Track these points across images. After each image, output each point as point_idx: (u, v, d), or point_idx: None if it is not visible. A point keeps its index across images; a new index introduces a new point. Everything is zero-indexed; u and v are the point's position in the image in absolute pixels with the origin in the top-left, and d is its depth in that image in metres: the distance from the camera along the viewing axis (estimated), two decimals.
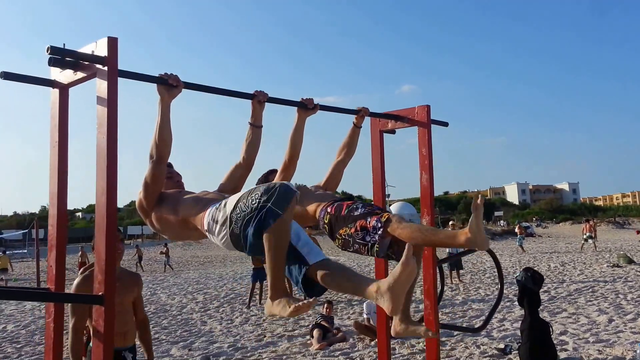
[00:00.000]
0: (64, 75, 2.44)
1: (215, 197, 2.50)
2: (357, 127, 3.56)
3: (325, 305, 8.04)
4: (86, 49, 2.28)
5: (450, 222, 13.78)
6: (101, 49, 2.22)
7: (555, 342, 5.99)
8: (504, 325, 7.72)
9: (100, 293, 2.09)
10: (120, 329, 3.41)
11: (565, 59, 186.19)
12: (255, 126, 2.94)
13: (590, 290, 10.94)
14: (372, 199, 4.09)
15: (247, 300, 11.23)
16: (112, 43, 2.21)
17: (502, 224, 50.15)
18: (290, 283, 11.40)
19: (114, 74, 2.22)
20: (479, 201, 2.32)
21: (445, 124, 4.10)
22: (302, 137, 3.14)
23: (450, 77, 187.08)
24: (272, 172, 3.16)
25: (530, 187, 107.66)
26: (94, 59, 2.23)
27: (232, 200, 2.29)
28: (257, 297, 11.24)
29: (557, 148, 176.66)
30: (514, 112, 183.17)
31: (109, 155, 2.15)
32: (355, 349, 6.86)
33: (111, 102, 2.19)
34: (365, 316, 7.85)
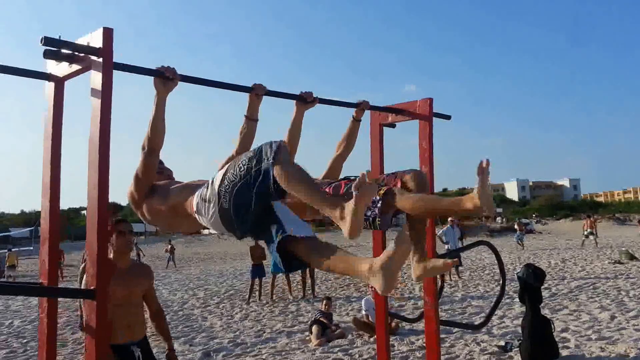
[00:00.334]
0: (60, 68, 2.39)
1: (204, 183, 2.47)
2: (356, 120, 3.50)
3: (324, 301, 8.03)
4: (82, 41, 2.23)
5: (449, 219, 13.70)
6: (96, 40, 2.17)
7: (556, 339, 5.95)
8: (504, 322, 7.68)
9: (92, 287, 2.05)
10: (128, 322, 3.37)
11: (565, 58, 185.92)
12: (251, 119, 2.90)
13: (592, 287, 10.89)
14: None
15: (247, 296, 11.30)
16: (108, 34, 2.16)
17: (498, 221, 49.95)
18: (290, 286, 11.47)
19: (108, 66, 2.17)
20: (484, 164, 2.18)
21: (448, 117, 4.03)
22: (300, 131, 3.09)
23: (452, 76, 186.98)
24: None
25: (530, 183, 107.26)
26: (88, 50, 2.18)
27: (218, 175, 2.24)
28: (257, 293, 11.30)
29: (558, 144, 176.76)
30: (514, 109, 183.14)
31: (101, 148, 2.10)
32: (354, 346, 6.83)
33: (105, 95, 2.14)
34: (363, 312, 7.83)
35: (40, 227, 2.50)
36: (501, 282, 4.57)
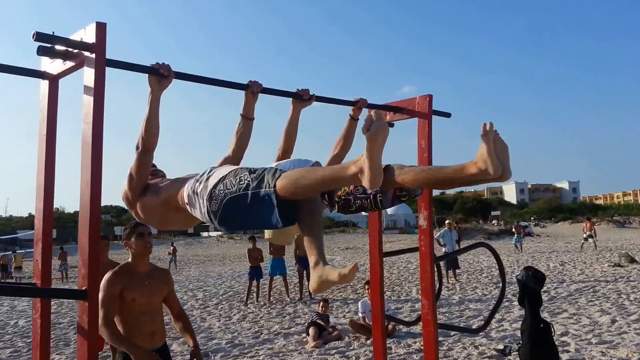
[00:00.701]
0: (54, 66, 2.34)
1: (194, 175, 2.43)
2: (354, 119, 3.40)
3: (321, 303, 8.00)
4: (75, 36, 2.19)
5: (447, 222, 13.66)
6: (90, 36, 2.12)
7: (556, 343, 5.90)
8: (502, 325, 7.64)
9: (83, 288, 2.01)
10: (148, 330, 3.34)
11: (565, 58, 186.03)
12: (247, 118, 2.85)
13: (592, 290, 10.83)
14: None
15: (245, 298, 11.31)
16: (101, 29, 2.11)
17: (494, 224, 49.86)
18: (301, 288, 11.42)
19: (101, 62, 2.12)
20: (488, 127, 2.06)
21: (448, 115, 3.95)
22: (296, 130, 3.05)
23: (451, 77, 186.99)
24: None
25: (529, 186, 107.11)
26: (81, 45, 2.13)
27: (216, 174, 2.22)
28: (255, 295, 11.30)
29: (557, 147, 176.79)
30: (514, 111, 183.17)
31: (93, 147, 2.06)
32: (351, 348, 6.80)
33: (98, 91, 2.09)
34: (360, 315, 7.81)
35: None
36: (501, 284, 4.53)
